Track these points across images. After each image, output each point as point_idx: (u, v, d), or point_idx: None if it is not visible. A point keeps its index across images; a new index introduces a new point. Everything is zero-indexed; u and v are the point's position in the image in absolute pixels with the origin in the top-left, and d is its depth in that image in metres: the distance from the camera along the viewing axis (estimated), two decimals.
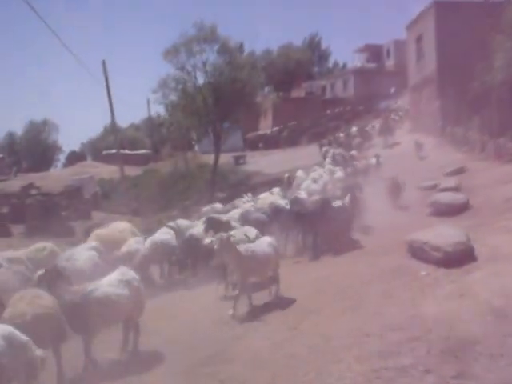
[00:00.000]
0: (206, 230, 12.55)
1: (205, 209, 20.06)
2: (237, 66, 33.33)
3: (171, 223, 15.03)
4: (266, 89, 38.13)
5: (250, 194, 21.26)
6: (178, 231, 14.04)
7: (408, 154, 28.00)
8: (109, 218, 26.91)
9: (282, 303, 9.85)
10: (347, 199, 14.69)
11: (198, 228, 13.61)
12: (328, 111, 59.61)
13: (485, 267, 9.46)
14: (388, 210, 16.34)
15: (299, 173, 25.56)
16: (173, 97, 34.25)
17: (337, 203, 14.30)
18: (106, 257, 12.07)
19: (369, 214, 15.33)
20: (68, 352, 7.62)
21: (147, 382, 7.34)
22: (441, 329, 6.98)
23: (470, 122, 25.81)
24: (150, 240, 13.11)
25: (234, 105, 33.49)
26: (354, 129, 44.40)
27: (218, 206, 20.04)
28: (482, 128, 23.83)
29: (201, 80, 34.38)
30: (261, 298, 10.37)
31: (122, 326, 8.43)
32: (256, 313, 9.54)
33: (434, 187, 19.15)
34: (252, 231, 11.88)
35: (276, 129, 58.53)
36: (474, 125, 25.48)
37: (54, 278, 7.39)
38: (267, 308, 9.80)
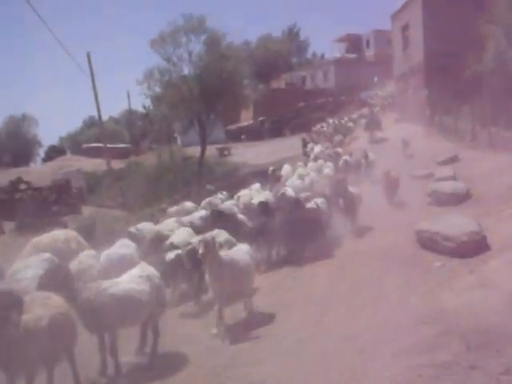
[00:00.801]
0: (212, 224, 12.05)
1: (172, 209, 18.08)
2: (223, 57, 32.94)
3: (132, 229, 12.88)
4: (253, 80, 37.36)
5: (224, 192, 19.88)
6: (139, 239, 12.14)
7: (396, 146, 27.31)
8: (99, 211, 26.60)
9: (297, 299, 9.56)
10: (320, 201, 13.82)
11: (178, 235, 11.78)
12: (310, 102, 59.27)
13: (500, 256, 9.36)
14: (386, 202, 16.08)
15: (286, 167, 24.25)
16: (158, 88, 33.89)
17: (311, 204, 13.47)
18: None
19: (367, 208, 14.77)
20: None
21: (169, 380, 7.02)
22: (471, 321, 6.76)
23: (460, 111, 25.74)
24: (105, 255, 10.56)
25: (220, 96, 33.18)
26: (330, 121, 41.90)
27: (189, 204, 18.32)
28: (473, 117, 23.73)
29: (186, 71, 34.13)
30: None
31: (139, 326, 8.08)
32: (276, 309, 9.20)
33: (428, 176, 18.98)
34: (222, 235, 10.77)
35: (258, 120, 58.13)
36: (464, 114, 25.40)
37: (64, 276, 6.98)
38: (285, 304, 9.42)
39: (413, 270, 9.65)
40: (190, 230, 12.14)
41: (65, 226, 19.95)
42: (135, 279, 7.54)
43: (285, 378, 6.30)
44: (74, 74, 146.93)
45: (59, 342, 6.44)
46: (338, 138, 33.42)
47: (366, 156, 21.54)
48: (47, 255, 9.95)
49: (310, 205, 13.46)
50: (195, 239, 9.85)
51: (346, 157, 22.68)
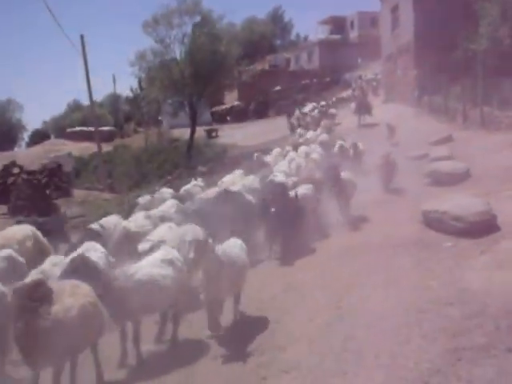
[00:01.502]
0: (221, 205, 11.61)
1: (144, 199, 15.41)
2: (216, 39, 32.66)
3: (94, 225, 10.96)
4: (243, 61, 37.06)
5: (200, 179, 18.51)
6: (105, 237, 10.35)
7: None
8: (90, 195, 26.34)
9: (310, 284, 9.33)
10: (307, 187, 12.87)
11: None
12: (294, 83, 59.06)
13: (511, 236, 9.36)
14: (383, 187, 15.59)
15: (276, 151, 22.66)
16: (150, 70, 33.58)
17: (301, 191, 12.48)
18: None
19: (364, 195, 14.34)
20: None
21: (201, 374, 6.73)
22: (498, 302, 6.70)
23: (450, 91, 25.73)
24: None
25: (212, 78, 32.94)
26: (310, 107, 38.78)
27: (169, 192, 16.16)
28: (464, 97, 23.73)
29: (179, 53, 33.83)
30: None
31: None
32: (290, 295, 8.98)
33: (423, 157, 18.93)
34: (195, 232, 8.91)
35: (244, 101, 57.92)
36: (454, 94, 25.40)
37: (87, 263, 6.77)
38: (298, 289, 9.15)
39: (423, 251, 9.53)
40: (171, 225, 10.27)
41: (58, 210, 19.80)
42: (158, 263, 7.30)
43: (317, 362, 6.13)
44: (58, 57, 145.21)
45: (88, 333, 6.24)
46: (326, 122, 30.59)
47: (355, 146, 19.14)
48: (9, 251, 8.61)
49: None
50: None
51: (341, 141, 20.94)
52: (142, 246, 8.53)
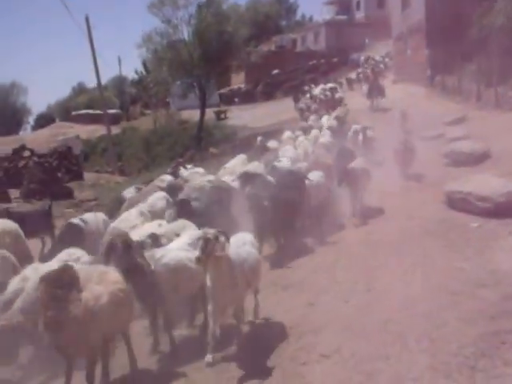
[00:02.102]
0: (242, 188, 11.54)
1: (131, 192, 14.38)
2: (224, 18, 32.31)
3: (76, 220, 10.16)
4: (252, 41, 36.80)
5: (190, 166, 17.75)
6: (87, 234, 9.75)
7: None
8: (101, 178, 26.25)
9: (337, 263, 9.19)
10: (318, 174, 12.04)
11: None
12: (301, 64, 58.65)
13: None
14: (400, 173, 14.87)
15: (287, 135, 21.35)
16: (158, 51, 33.31)
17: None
18: None
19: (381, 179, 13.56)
20: None
21: (237, 360, 6.50)
22: None
23: (462, 70, 25.42)
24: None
25: (221, 59, 32.67)
26: (319, 89, 35.78)
27: (167, 178, 15.00)
28: (478, 77, 23.43)
29: (186, 34, 33.49)
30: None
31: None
32: (320, 275, 8.80)
33: (439, 137, 18.75)
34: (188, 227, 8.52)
35: (251, 83, 57.56)
36: (467, 74, 25.10)
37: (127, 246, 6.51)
38: (327, 271, 8.95)
39: (451, 232, 9.38)
40: (161, 222, 9.50)
41: (71, 193, 19.72)
42: (185, 246, 7.12)
43: (357, 348, 5.96)
44: (62, 40, 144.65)
45: (119, 320, 6.08)
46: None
47: (364, 132, 17.77)
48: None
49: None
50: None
51: (356, 126, 19.50)
52: None
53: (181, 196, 11.28)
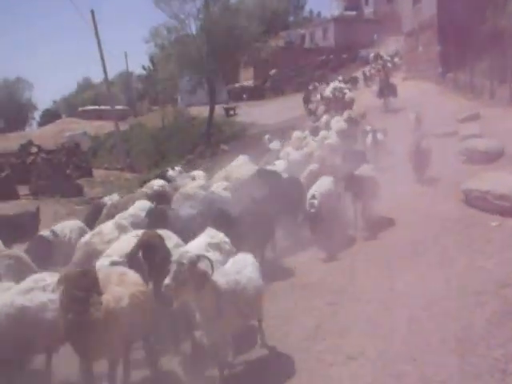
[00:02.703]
0: (258, 186, 11.01)
1: (114, 200, 12.13)
2: (232, 13, 32.11)
3: (45, 232, 9.28)
4: (262, 37, 36.48)
5: (177, 168, 16.65)
6: (59, 246, 8.94)
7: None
8: (111, 175, 26.15)
9: (354, 261, 9.08)
10: (328, 181, 10.93)
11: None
12: (311, 60, 58.46)
13: None
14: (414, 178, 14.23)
15: (296, 134, 20.32)
16: (166, 46, 33.15)
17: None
18: None
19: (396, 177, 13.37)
20: None
21: (264, 362, 6.39)
22: None
23: (475, 67, 25.17)
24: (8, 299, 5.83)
25: (230, 54, 32.46)
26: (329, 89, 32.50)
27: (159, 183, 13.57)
28: (491, 73, 23.18)
29: (194, 28, 33.34)
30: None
31: None
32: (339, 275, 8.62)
33: (452, 134, 18.53)
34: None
35: (260, 79, 57.37)
36: (480, 70, 24.86)
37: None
38: (344, 269, 8.83)
39: (470, 231, 9.23)
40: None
41: (81, 190, 19.62)
42: (204, 247, 6.91)
43: (383, 347, 5.84)
44: (68, 35, 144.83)
45: (139, 323, 5.89)
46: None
47: (374, 134, 16.30)
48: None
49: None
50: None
51: (366, 127, 18.23)
52: (100, 264, 6.82)
53: (174, 205, 10.36)
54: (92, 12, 31.38)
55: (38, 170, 19.88)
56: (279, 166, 14.05)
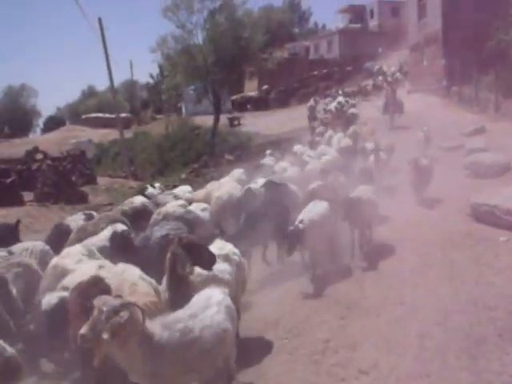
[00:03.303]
0: (266, 197, 11.10)
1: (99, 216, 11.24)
2: (239, 24, 32.25)
3: (2, 252, 8.24)
4: (268, 48, 36.64)
5: (158, 184, 15.73)
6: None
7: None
8: (115, 182, 26.14)
9: (364, 275, 8.94)
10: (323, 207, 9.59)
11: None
12: (315, 72, 58.61)
13: None
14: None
15: (296, 148, 19.74)
16: (172, 55, 33.28)
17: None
18: None
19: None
20: None
21: (274, 375, 6.29)
22: None
23: (480, 81, 25.25)
24: None
25: (236, 65, 32.59)
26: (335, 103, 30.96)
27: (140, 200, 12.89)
28: (497, 87, 23.25)
29: (201, 39, 33.51)
30: None
31: None
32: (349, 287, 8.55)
33: (458, 148, 18.52)
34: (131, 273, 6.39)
35: (264, 89, 57.44)
36: (485, 84, 24.93)
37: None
38: (355, 281, 8.79)
39: (478, 246, 9.18)
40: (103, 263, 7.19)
41: (85, 197, 19.61)
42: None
43: (396, 362, 5.78)
44: (73, 43, 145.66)
45: None
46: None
47: (376, 153, 15.08)
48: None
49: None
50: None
51: (368, 144, 16.94)
52: (48, 299, 6.34)
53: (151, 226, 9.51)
54: (99, 20, 31.55)
55: (44, 177, 19.81)
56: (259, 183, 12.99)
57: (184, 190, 14.51)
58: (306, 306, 8.09)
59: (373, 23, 68.97)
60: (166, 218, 10.11)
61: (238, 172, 16.35)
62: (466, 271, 8.12)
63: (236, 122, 45.05)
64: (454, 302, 7.09)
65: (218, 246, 7.15)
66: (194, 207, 11.12)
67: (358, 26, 68.74)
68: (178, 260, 5.92)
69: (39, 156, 23.91)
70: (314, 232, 8.94)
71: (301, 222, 8.94)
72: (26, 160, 23.45)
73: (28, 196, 19.65)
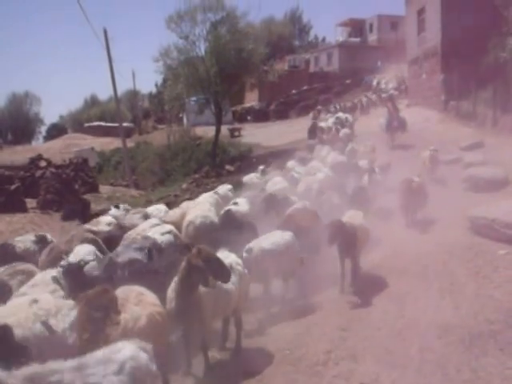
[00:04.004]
0: (266, 212, 11.17)
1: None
2: (242, 36, 32.58)
3: None
4: (270, 60, 36.92)
5: (122, 205, 14.03)
6: None
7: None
8: (117, 191, 26.27)
9: (364, 287, 8.97)
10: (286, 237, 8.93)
11: None
12: (315, 84, 58.98)
13: None
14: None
15: (291, 164, 19.15)
16: (175, 66, 33.56)
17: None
18: None
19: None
20: None
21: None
22: None
23: (478, 96, 25.51)
24: None
25: (238, 76, 32.91)
26: (331, 120, 29.88)
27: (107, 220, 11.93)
28: (494, 102, 23.52)
29: (204, 50, 33.82)
30: None
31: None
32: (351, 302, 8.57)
33: (455, 161, 18.72)
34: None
35: (265, 101, 57.85)
36: (482, 99, 25.18)
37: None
38: (356, 294, 8.82)
39: (477, 259, 9.32)
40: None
41: (88, 205, 19.70)
42: None
43: (398, 375, 5.87)
44: (77, 52, 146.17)
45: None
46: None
47: (370, 173, 14.67)
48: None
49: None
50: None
51: (362, 162, 16.70)
52: None
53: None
54: (105, 30, 31.88)
55: (47, 184, 19.94)
56: (242, 205, 12.28)
57: (159, 208, 13.47)
58: (308, 319, 8.18)
59: (372, 37, 69.40)
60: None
61: (224, 188, 15.63)
62: (466, 284, 8.24)
63: (237, 133, 45.39)
64: (455, 315, 7.22)
65: (221, 256, 7.14)
66: (153, 231, 9.65)
67: (358, 39, 69.20)
68: (197, 272, 6.09)
69: (43, 163, 24.04)
70: (265, 263, 8.23)
71: (248, 250, 8.24)
72: (30, 167, 23.58)
73: (30, 203, 19.77)
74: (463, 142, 21.39)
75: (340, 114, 31.21)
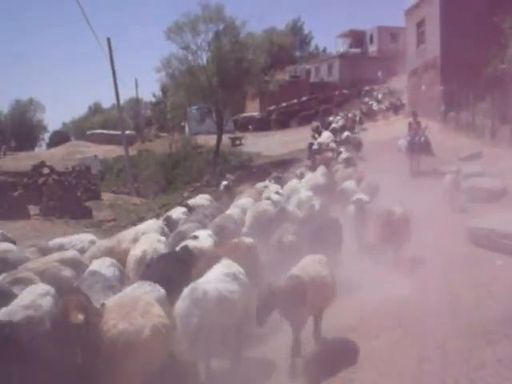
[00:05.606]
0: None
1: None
2: (242, 46, 32.85)
3: None
4: (270, 70, 37.20)
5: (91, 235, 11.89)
6: None
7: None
8: (119, 198, 26.40)
9: (362, 296, 9.02)
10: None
11: None
12: (316, 95, 59.23)
13: None
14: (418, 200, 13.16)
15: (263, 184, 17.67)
16: (176, 76, 33.81)
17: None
18: None
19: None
20: None
21: None
22: None
23: (477, 107, 25.70)
24: None
25: (239, 86, 33.15)
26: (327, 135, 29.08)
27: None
28: (493, 113, 23.71)
29: (205, 60, 34.08)
30: None
31: None
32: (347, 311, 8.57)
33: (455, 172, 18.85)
34: None
35: (266, 111, 58.05)
36: (481, 110, 25.37)
37: None
38: (353, 304, 8.80)
39: (476, 269, 9.39)
40: None
41: (90, 212, 19.91)
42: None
43: None
44: (81, 60, 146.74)
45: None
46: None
47: (358, 202, 12.02)
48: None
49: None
50: None
51: (347, 184, 15.23)
52: None
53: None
54: (108, 40, 32.11)
55: (50, 191, 20.12)
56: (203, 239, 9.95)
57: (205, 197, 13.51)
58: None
59: (372, 48, 69.70)
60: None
61: (204, 197, 14.80)
62: (465, 295, 8.26)
63: (238, 142, 45.67)
64: (453, 325, 7.24)
65: (225, 265, 7.33)
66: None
67: (358, 50, 69.51)
68: None
69: (46, 170, 24.21)
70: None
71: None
72: (33, 174, 23.76)
73: (33, 210, 19.93)
74: (462, 152, 21.43)
75: (346, 133, 29.30)
